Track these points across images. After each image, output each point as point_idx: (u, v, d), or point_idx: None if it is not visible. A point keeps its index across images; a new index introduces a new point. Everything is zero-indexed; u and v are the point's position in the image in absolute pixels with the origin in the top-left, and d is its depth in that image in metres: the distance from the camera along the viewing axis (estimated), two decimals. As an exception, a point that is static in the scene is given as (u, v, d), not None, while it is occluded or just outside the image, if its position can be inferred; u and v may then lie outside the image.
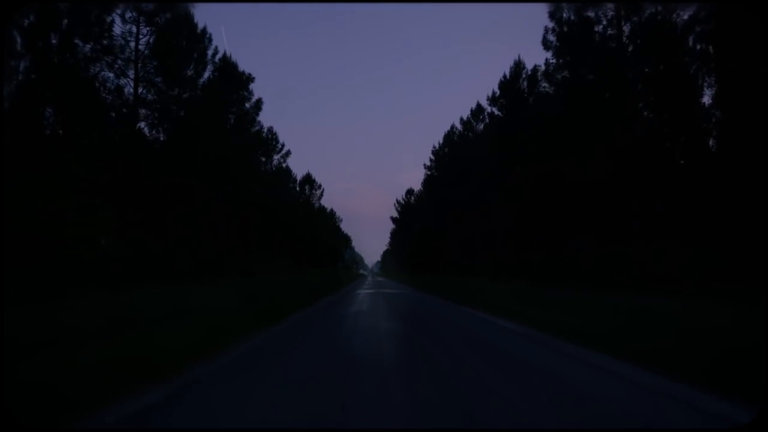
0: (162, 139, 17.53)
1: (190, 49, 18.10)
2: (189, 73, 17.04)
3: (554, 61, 16.93)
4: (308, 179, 50.25)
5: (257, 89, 37.87)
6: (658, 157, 14.76)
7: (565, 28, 14.81)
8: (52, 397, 2.84)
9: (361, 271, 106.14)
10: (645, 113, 15.40)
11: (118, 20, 15.90)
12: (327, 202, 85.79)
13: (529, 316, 6.85)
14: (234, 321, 6.56)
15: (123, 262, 10.40)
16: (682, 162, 15.35)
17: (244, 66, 28.49)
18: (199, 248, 17.93)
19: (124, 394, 3.03)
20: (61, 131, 15.74)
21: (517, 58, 24.74)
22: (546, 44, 16.53)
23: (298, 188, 48.30)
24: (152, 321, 5.96)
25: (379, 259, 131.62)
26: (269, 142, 32.12)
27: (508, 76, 25.05)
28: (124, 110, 16.46)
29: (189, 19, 17.83)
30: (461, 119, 35.01)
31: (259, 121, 24.52)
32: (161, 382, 3.39)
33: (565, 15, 14.99)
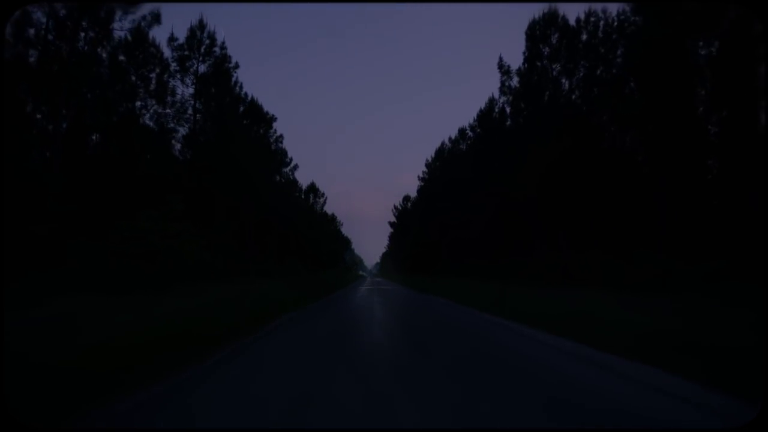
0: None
1: (227, 97, 23.97)
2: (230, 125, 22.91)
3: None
4: (312, 188, 56.33)
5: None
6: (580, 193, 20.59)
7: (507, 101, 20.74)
8: (261, 316, 8.67)
9: (361, 273, 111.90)
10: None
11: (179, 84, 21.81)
12: (327, 204, 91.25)
13: (454, 295, 12.84)
14: (295, 298, 12.44)
15: (206, 264, 16.36)
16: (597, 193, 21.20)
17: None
18: (230, 254, 23.87)
19: (279, 315, 8.93)
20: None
21: (491, 95, 30.72)
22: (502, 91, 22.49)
23: (303, 196, 54.35)
24: (255, 296, 11.79)
25: (378, 260, 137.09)
26: (282, 159, 38.05)
27: (483, 109, 30.99)
28: (180, 149, 22.38)
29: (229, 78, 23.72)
30: (449, 138, 41.02)
31: (284, 149, 30.56)
32: (288, 312, 9.29)
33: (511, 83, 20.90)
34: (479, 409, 2.84)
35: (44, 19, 16.29)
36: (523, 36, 20.59)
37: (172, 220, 15.96)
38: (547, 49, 20.58)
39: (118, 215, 16.25)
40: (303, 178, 56.62)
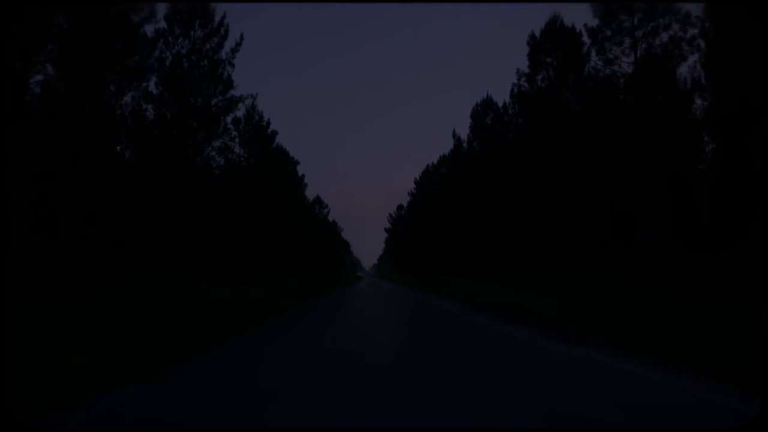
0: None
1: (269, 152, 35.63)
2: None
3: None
4: (318, 200, 68.15)
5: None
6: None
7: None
8: (321, 292, 20.38)
9: (359, 273, 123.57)
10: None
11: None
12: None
13: (418, 286, 24.67)
14: (322, 288, 24.12)
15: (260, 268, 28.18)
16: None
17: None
18: (256, 259, 35.72)
19: (327, 292, 20.75)
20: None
21: (462, 136, 42.34)
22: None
23: (308, 207, 66.14)
24: (307, 286, 23.45)
25: (376, 262, 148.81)
26: (299, 183, 49.80)
27: (452, 149, 42.65)
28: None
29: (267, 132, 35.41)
30: (432, 164, 52.87)
31: (304, 182, 42.81)
32: (328, 293, 21.10)
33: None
34: (398, 302, 14.63)
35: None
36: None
37: (248, 242, 27.83)
38: (486, 122, 32.34)
39: (215, 238, 28.00)
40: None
